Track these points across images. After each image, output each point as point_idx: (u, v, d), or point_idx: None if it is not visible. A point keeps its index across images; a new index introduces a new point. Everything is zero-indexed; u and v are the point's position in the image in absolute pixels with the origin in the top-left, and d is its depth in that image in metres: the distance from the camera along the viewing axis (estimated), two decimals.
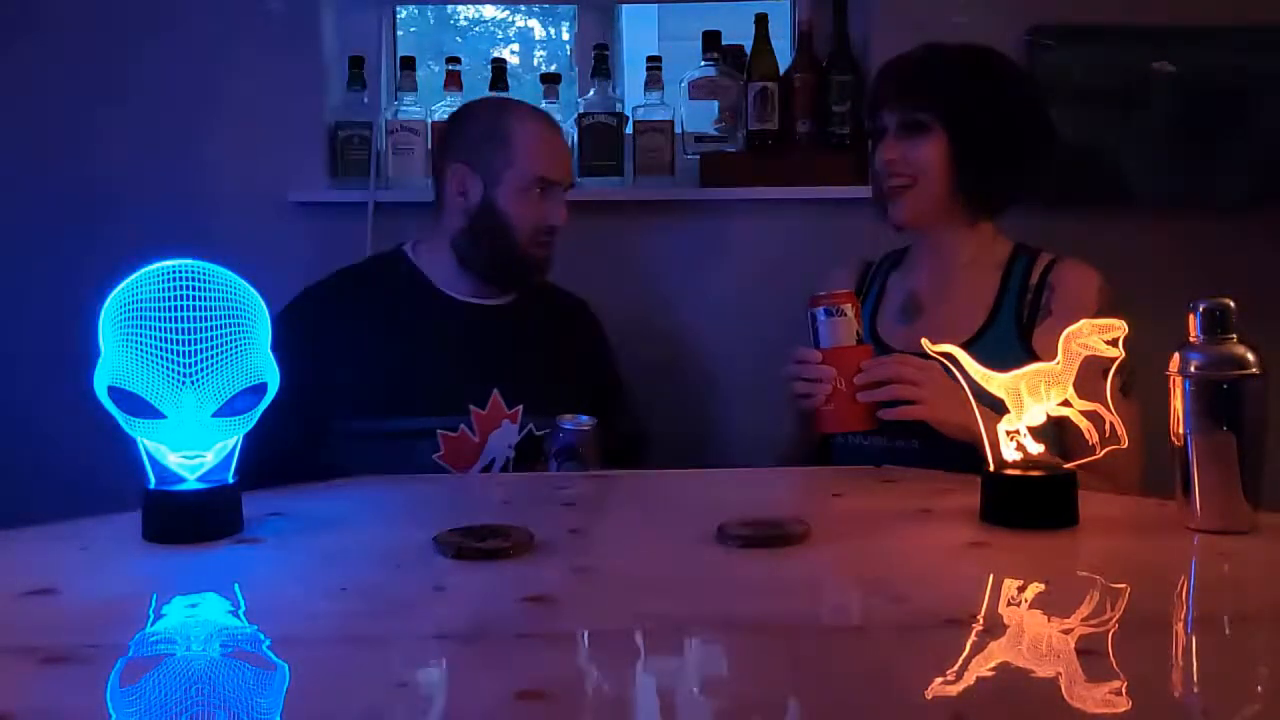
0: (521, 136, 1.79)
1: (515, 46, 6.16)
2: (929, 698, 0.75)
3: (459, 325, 1.81)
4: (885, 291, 1.73)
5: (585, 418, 1.60)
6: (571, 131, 2.32)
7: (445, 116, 2.30)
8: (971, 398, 1.17)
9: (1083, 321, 1.15)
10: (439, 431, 1.72)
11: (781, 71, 2.33)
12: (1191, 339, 1.09)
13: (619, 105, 2.33)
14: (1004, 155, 1.63)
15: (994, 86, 1.64)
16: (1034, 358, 1.34)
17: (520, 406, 1.76)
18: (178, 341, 1.09)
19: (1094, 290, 1.60)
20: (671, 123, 2.31)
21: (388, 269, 1.86)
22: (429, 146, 2.31)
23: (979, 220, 1.67)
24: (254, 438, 1.17)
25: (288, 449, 1.53)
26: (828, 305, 1.46)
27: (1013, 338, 1.58)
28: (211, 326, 1.10)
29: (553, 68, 2.78)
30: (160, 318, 1.09)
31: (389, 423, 1.72)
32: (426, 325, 1.80)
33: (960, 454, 1.30)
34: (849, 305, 1.46)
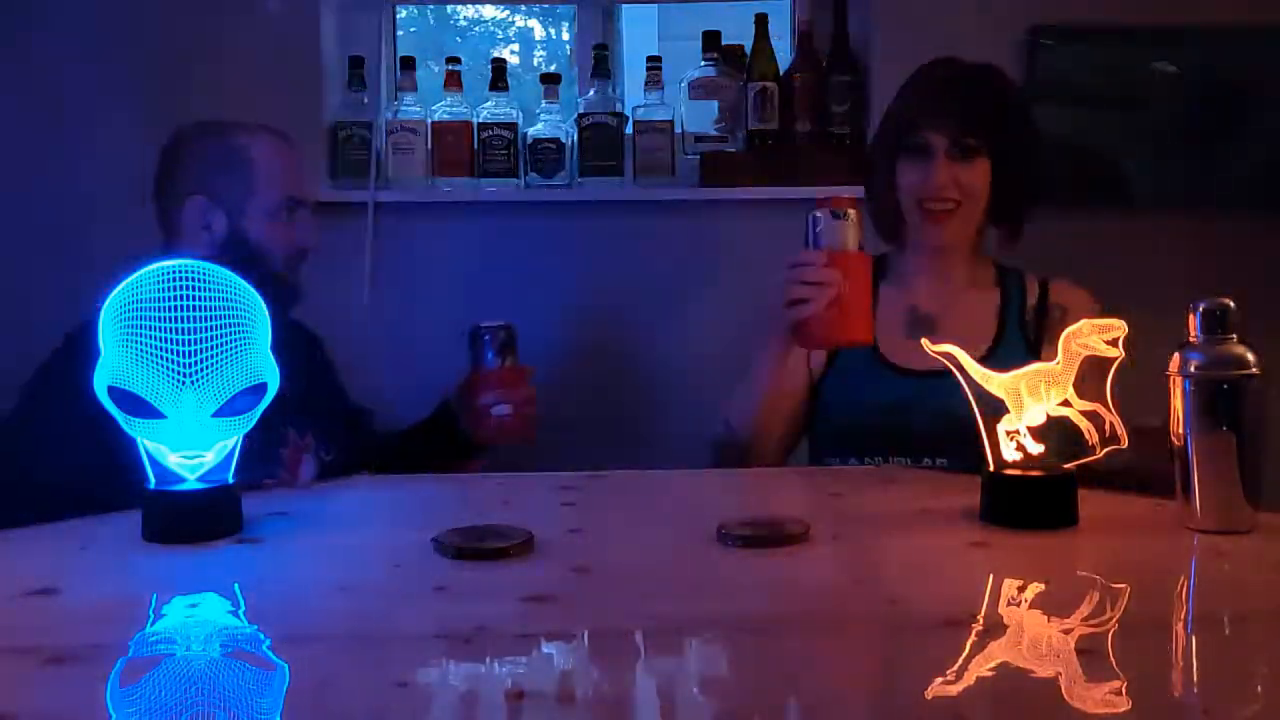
0: (261, 158, 1.68)
1: (515, 46, 6.15)
2: (929, 698, 0.75)
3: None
4: (881, 296, 1.71)
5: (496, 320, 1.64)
6: (571, 132, 2.32)
7: (445, 117, 2.30)
8: (972, 398, 1.17)
9: (1083, 321, 1.15)
10: (265, 482, 1.56)
11: (781, 71, 2.33)
12: (1191, 339, 1.09)
13: (619, 105, 2.33)
14: (1029, 178, 1.66)
15: (1023, 112, 1.68)
16: None
17: (309, 437, 1.68)
18: (178, 341, 1.09)
19: (1094, 305, 1.62)
20: (671, 123, 2.31)
21: None
22: (429, 147, 2.31)
23: (1000, 245, 1.69)
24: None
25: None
26: (833, 208, 1.38)
27: (1022, 354, 1.58)
28: (211, 326, 1.10)
29: (553, 68, 2.78)
30: (160, 318, 1.09)
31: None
32: None
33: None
34: (853, 210, 1.39)
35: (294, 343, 1.76)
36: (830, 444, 1.64)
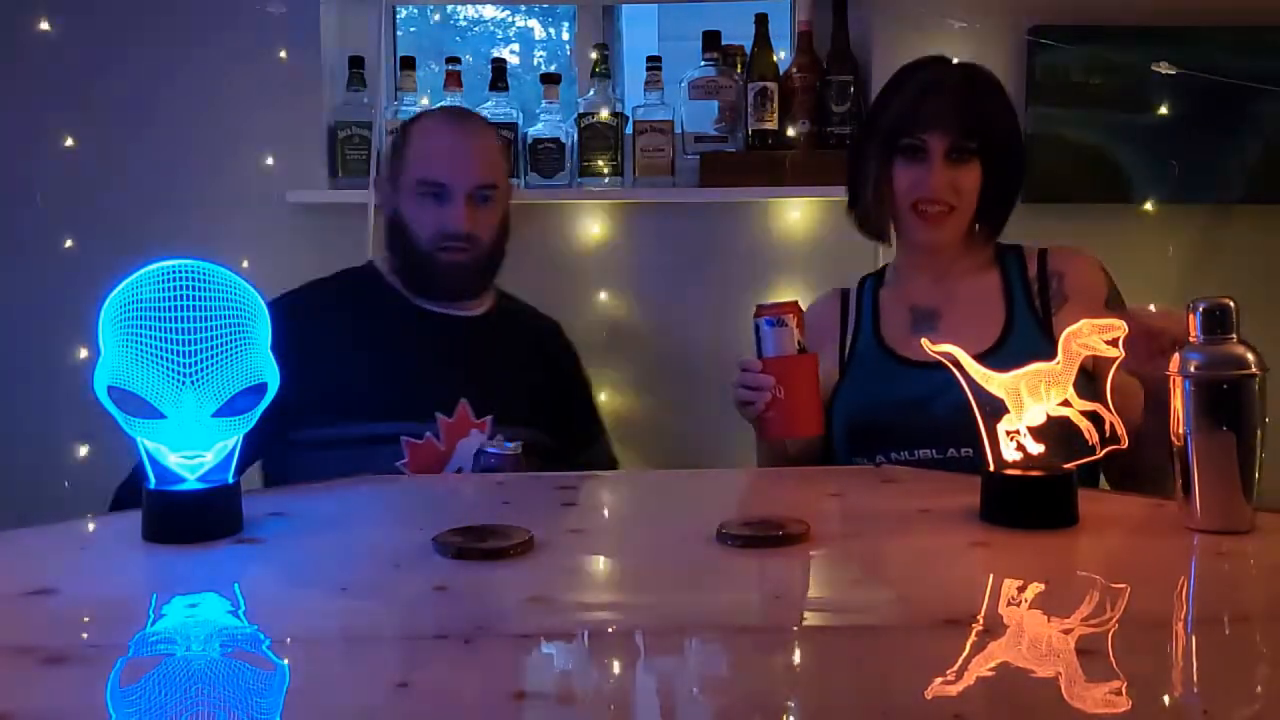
0: (414, 141, 1.77)
1: (515, 46, 6.16)
2: (929, 698, 0.75)
3: (428, 334, 1.78)
4: (881, 309, 1.71)
5: (510, 444, 1.61)
6: (571, 132, 2.32)
7: None
8: (972, 398, 1.17)
9: (1082, 321, 1.15)
10: (404, 438, 1.67)
11: (781, 71, 2.33)
12: (1191, 339, 1.09)
13: (619, 105, 2.33)
14: (1017, 178, 1.67)
15: (1013, 113, 1.68)
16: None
17: (489, 417, 1.72)
18: (178, 341, 1.09)
19: (1099, 268, 1.65)
20: (671, 123, 2.31)
21: (356, 280, 1.85)
22: None
23: (982, 237, 1.69)
24: None
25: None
26: (770, 316, 1.51)
27: (1036, 332, 1.59)
28: (211, 326, 1.10)
29: (553, 68, 2.78)
30: (160, 318, 1.09)
31: (353, 428, 1.67)
32: (393, 333, 1.77)
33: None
34: (790, 316, 1.50)
35: (525, 331, 1.88)
36: (854, 445, 1.63)
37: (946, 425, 1.45)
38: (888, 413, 1.60)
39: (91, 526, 1.26)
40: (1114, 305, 1.62)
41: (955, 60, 1.75)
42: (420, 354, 1.76)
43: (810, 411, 1.51)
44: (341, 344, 1.73)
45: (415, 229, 1.75)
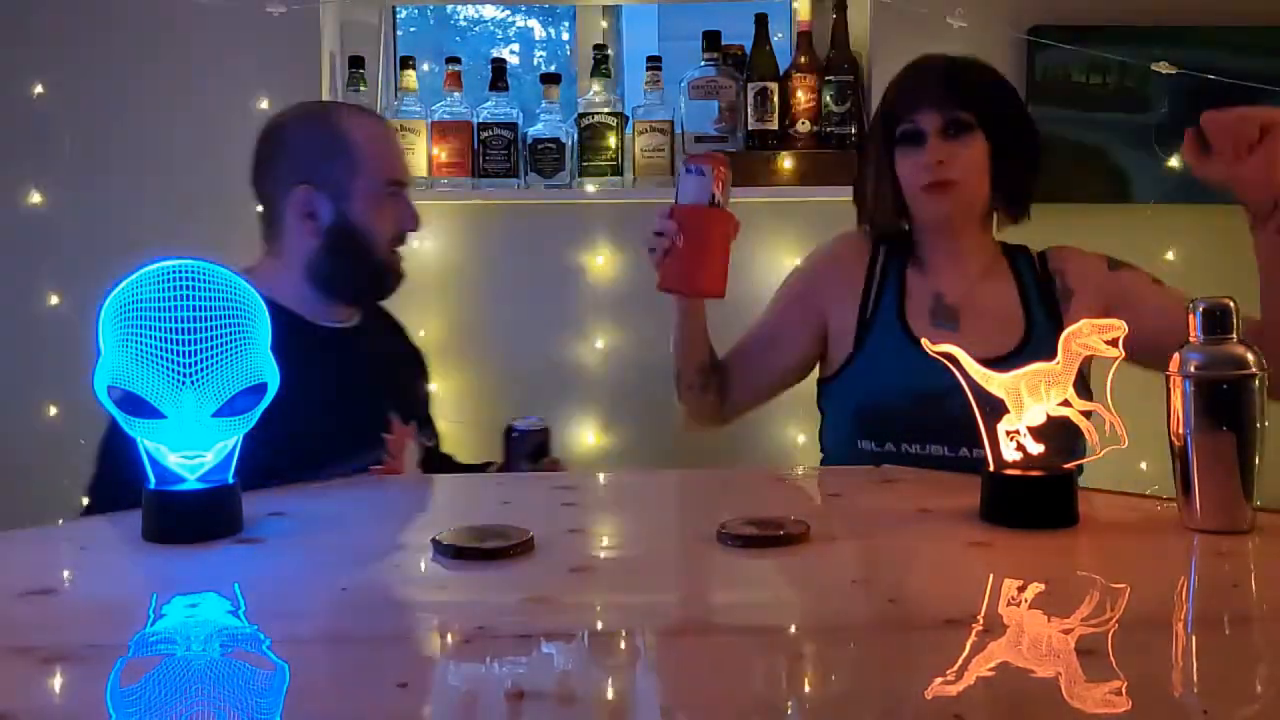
0: (361, 141, 1.64)
1: (515, 46, 6.16)
2: (929, 698, 0.75)
3: (335, 353, 1.66)
4: (907, 286, 1.69)
5: (534, 417, 1.62)
6: (571, 132, 2.32)
7: (445, 117, 2.31)
8: (972, 398, 1.17)
9: (1082, 322, 1.15)
10: (371, 469, 1.58)
11: (781, 71, 2.33)
12: (1191, 339, 1.09)
13: (619, 105, 2.33)
14: (1031, 160, 1.67)
15: (1015, 93, 1.69)
16: None
17: (413, 423, 1.70)
18: (178, 341, 1.08)
19: (1089, 253, 1.67)
20: (671, 123, 2.31)
21: None
22: (429, 147, 2.31)
23: (1001, 224, 1.70)
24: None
25: None
26: (691, 164, 1.46)
27: (1053, 336, 1.59)
28: (211, 326, 1.10)
29: (553, 68, 2.78)
30: (160, 318, 1.09)
31: (321, 473, 1.48)
32: (310, 361, 1.42)
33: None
34: (710, 167, 1.46)
35: (395, 330, 1.85)
36: (863, 429, 1.63)
37: (963, 422, 1.43)
38: (903, 402, 1.58)
39: (92, 526, 1.26)
40: (1117, 267, 1.63)
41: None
42: (344, 377, 1.65)
43: (710, 269, 1.47)
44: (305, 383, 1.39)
45: (374, 233, 1.64)
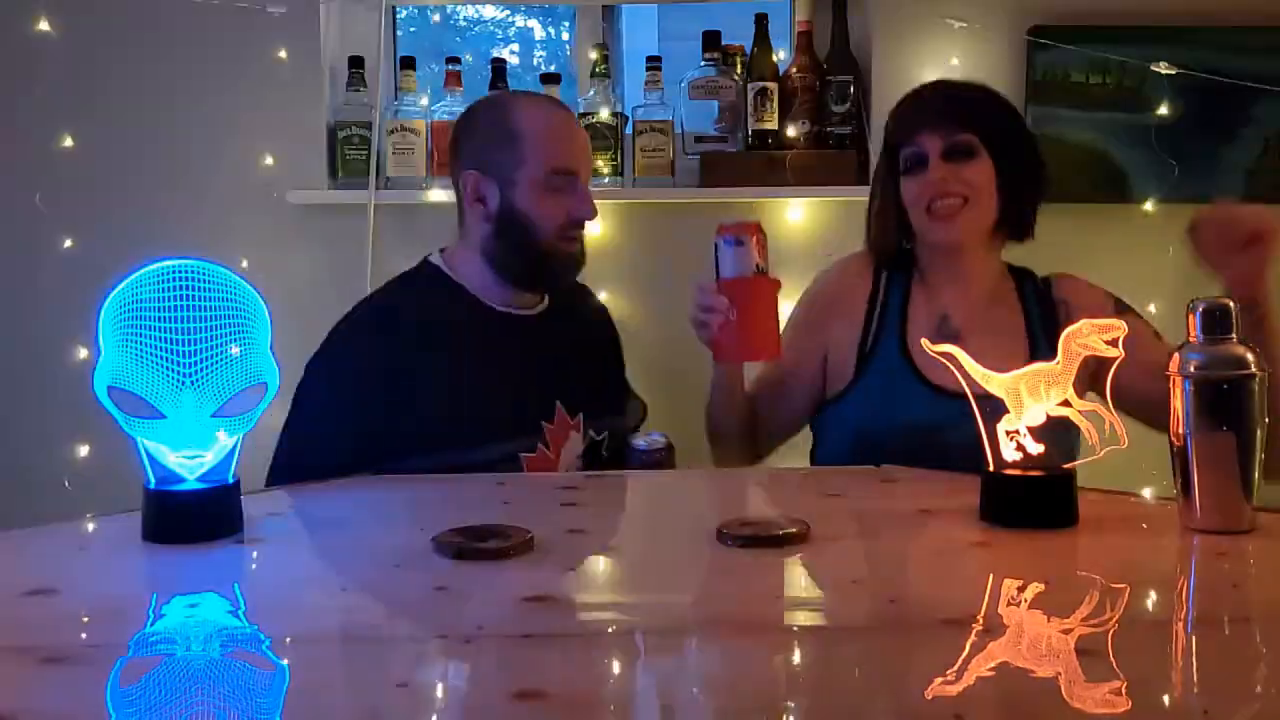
0: (528, 130, 1.67)
1: (515, 46, 6.16)
2: (929, 698, 0.75)
3: (512, 339, 1.70)
4: (909, 313, 1.68)
5: (657, 435, 1.63)
6: None
7: (445, 116, 2.30)
8: (972, 398, 1.17)
9: (1083, 321, 1.15)
10: (521, 455, 1.62)
11: (781, 71, 2.33)
12: (1191, 339, 1.09)
13: (619, 105, 2.33)
14: (1036, 179, 1.67)
15: (1016, 113, 1.69)
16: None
17: (580, 416, 1.69)
18: (178, 341, 1.09)
19: (1098, 291, 1.65)
20: (671, 123, 2.31)
21: (431, 286, 1.72)
22: (429, 147, 2.31)
23: (1007, 244, 1.69)
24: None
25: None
26: (729, 235, 1.45)
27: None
28: (211, 326, 1.10)
29: (553, 68, 2.78)
30: (160, 318, 1.09)
31: (472, 454, 1.55)
32: (484, 343, 1.68)
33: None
34: (750, 237, 1.45)
35: (591, 320, 1.85)
36: (858, 458, 1.59)
37: (961, 458, 1.40)
38: (900, 436, 1.57)
39: (91, 526, 1.26)
40: (1124, 311, 1.62)
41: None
42: (511, 362, 1.68)
43: (765, 335, 1.48)
44: (437, 363, 1.61)
45: (540, 221, 1.66)
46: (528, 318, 1.74)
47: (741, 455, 1.73)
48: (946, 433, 1.43)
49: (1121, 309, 1.63)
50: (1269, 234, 1.37)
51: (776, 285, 1.50)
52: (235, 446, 1.14)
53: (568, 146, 1.70)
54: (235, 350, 1.10)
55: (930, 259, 1.69)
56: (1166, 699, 0.77)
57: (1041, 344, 1.61)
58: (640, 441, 1.62)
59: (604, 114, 2.30)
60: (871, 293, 1.70)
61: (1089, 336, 1.14)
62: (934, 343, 1.61)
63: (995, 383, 1.17)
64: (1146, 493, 1.34)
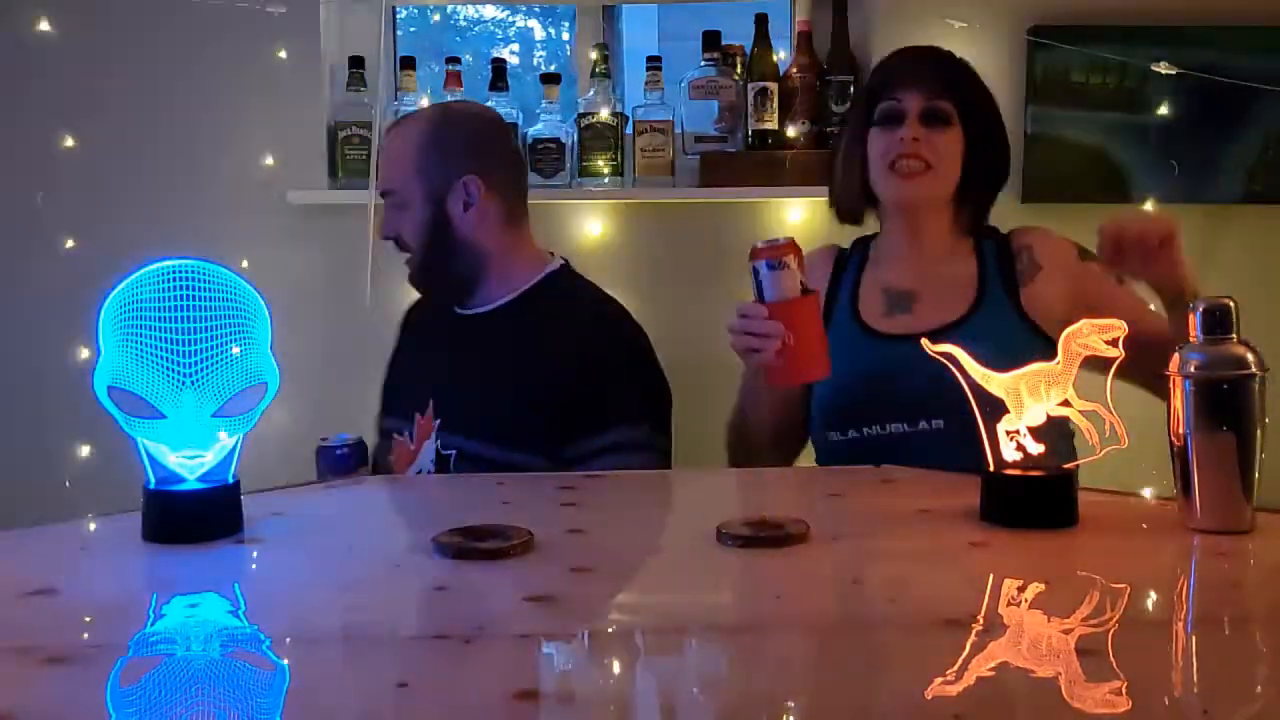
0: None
1: (515, 46, 6.16)
2: (929, 698, 0.75)
3: (439, 333, 1.78)
4: (863, 273, 1.72)
5: (346, 435, 1.69)
6: (572, 131, 2.32)
7: None
8: (972, 397, 1.17)
9: (1083, 321, 1.15)
10: (394, 435, 1.73)
11: (781, 71, 2.33)
12: (1191, 339, 1.09)
13: (619, 105, 2.33)
14: (1001, 164, 1.69)
15: (993, 99, 1.70)
16: (1027, 321, 1.55)
17: (439, 421, 1.68)
18: (178, 341, 1.08)
19: (1064, 240, 1.66)
20: (671, 123, 2.31)
21: None
22: None
23: (965, 217, 1.70)
24: None
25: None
26: (770, 259, 1.42)
27: (1006, 307, 1.60)
28: (211, 326, 1.10)
29: (553, 68, 2.78)
30: (160, 318, 1.09)
31: (384, 420, 1.80)
32: (425, 333, 1.83)
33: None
34: (791, 257, 1.43)
35: (528, 328, 1.73)
36: (828, 420, 1.64)
37: (915, 398, 1.45)
38: (859, 386, 1.60)
39: (92, 526, 1.26)
40: (1087, 256, 1.62)
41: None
42: (425, 352, 1.80)
43: (819, 354, 1.45)
44: (408, 343, 1.87)
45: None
46: (459, 315, 1.77)
47: (774, 458, 1.73)
48: (893, 378, 1.54)
49: (1085, 255, 1.63)
50: (1174, 233, 1.43)
51: (819, 299, 1.50)
52: (235, 446, 1.14)
53: (386, 165, 1.77)
54: (236, 350, 1.10)
55: (886, 224, 1.72)
56: (1166, 699, 0.77)
57: (992, 285, 1.63)
58: (332, 441, 1.67)
59: (604, 114, 2.30)
60: (834, 272, 1.73)
61: (1089, 336, 1.14)
62: (885, 311, 1.65)
63: (995, 383, 1.16)
64: (1146, 493, 1.34)
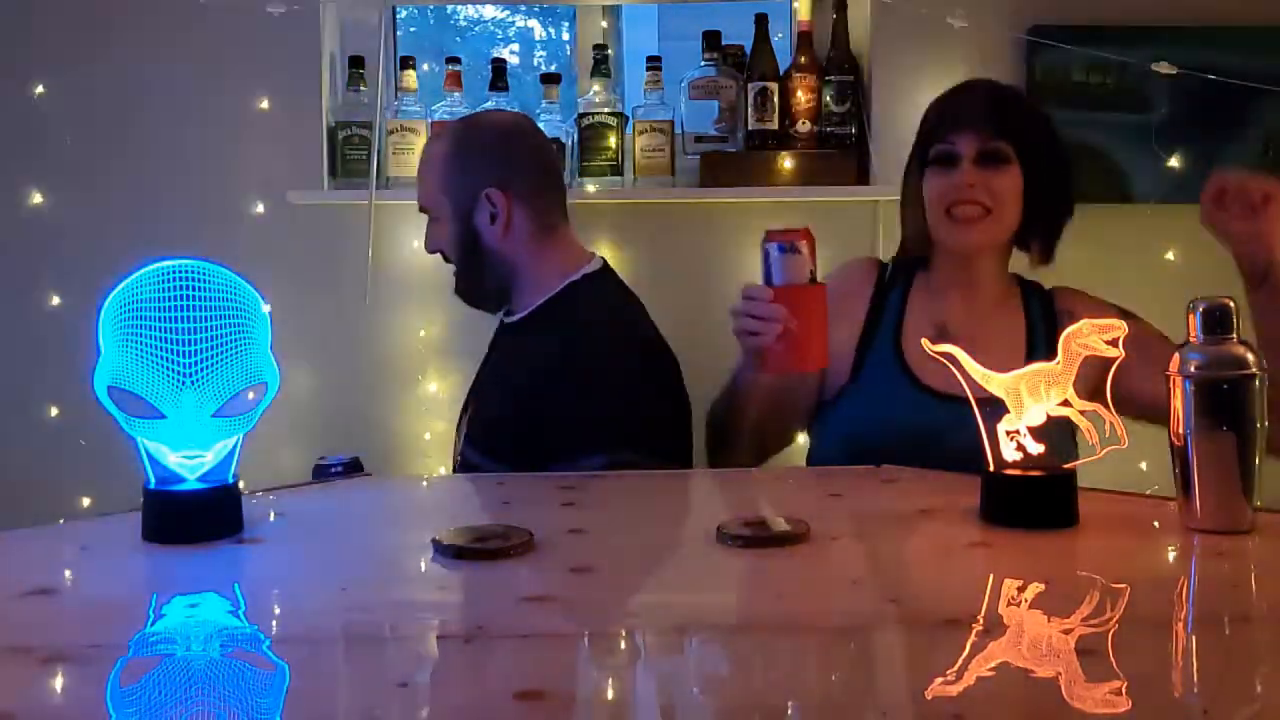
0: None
1: (515, 46, 6.16)
2: (929, 698, 0.75)
3: (494, 340, 1.82)
4: (908, 308, 1.67)
5: (343, 456, 1.77)
6: (572, 131, 2.32)
7: (445, 116, 2.30)
8: (972, 398, 1.17)
9: (1083, 321, 1.15)
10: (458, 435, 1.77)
11: (781, 71, 2.33)
12: (1191, 339, 1.09)
13: (619, 105, 2.33)
14: (1064, 199, 1.65)
15: (1054, 131, 1.66)
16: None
17: (464, 429, 1.73)
18: (178, 341, 1.08)
19: (1103, 304, 1.62)
20: (671, 123, 2.31)
21: None
22: None
23: (1031, 264, 1.67)
24: None
25: None
26: (782, 241, 1.40)
27: None
28: (211, 326, 1.10)
29: (553, 68, 2.78)
30: (160, 318, 1.08)
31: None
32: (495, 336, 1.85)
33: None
34: (804, 243, 1.40)
35: (536, 340, 1.71)
36: (852, 462, 1.57)
37: (957, 462, 1.35)
38: (895, 439, 1.54)
39: (92, 526, 1.26)
40: (1128, 318, 1.60)
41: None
42: (490, 357, 1.82)
43: (819, 345, 1.43)
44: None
45: None
46: (504, 324, 1.80)
47: (744, 458, 1.70)
48: (940, 437, 1.42)
49: (1127, 318, 1.61)
50: (1276, 195, 1.43)
51: (826, 291, 1.45)
52: (235, 446, 1.14)
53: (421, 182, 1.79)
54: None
55: (939, 260, 1.67)
56: (1166, 699, 0.77)
57: (1038, 348, 1.59)
58: (326, 459, 1.72)
59: (604, 114, 2.29)
60: (874, 297, 1.69)
61: (1089, 336, 1.14)
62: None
63: (995, 383, 1.16)
64: (1147, 493, 1.34)
